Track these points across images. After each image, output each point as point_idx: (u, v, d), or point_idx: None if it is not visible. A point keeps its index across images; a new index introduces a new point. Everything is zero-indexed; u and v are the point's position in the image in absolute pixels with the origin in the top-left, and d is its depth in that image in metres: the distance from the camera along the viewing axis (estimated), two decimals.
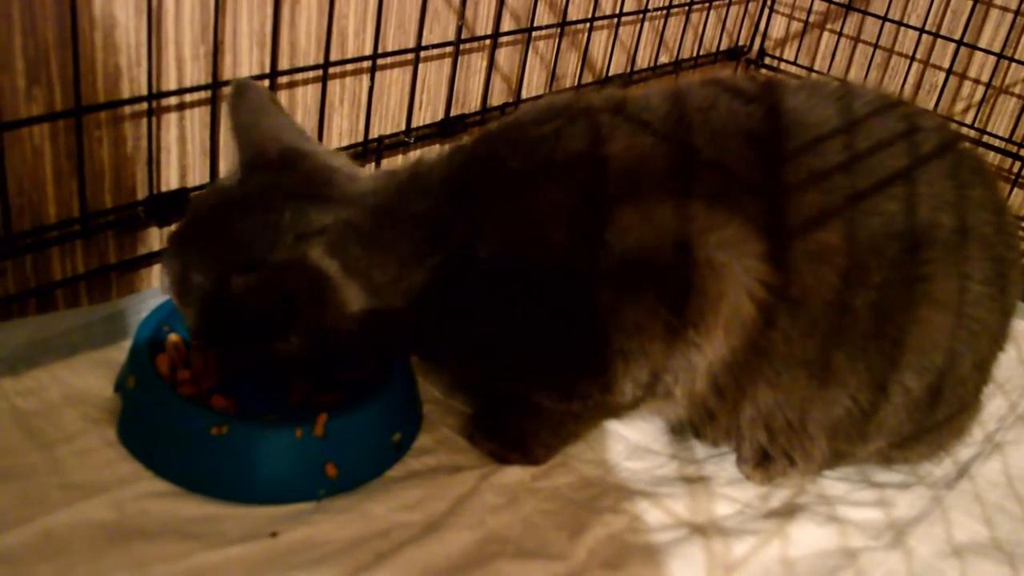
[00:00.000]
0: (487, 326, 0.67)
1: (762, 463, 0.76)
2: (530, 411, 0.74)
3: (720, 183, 0.66)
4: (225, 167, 0.90)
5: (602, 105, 0.70)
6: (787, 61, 1.58)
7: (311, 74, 0.93)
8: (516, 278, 0.66)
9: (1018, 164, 1.35)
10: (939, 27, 1.42)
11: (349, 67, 0.97)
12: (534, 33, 1.16)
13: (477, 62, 1.13)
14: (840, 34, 1.52)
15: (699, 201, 0.65)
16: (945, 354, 0.70)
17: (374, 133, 1.02)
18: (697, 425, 0.75)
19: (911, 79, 1.47)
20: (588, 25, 1.25)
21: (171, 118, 0.84)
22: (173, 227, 0.89)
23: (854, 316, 0.67)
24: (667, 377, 0.68)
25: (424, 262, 0.66)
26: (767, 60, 1.59)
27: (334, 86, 0.97)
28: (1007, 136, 1.39)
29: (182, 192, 0.87)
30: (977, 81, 1.42)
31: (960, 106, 1.45)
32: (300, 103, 0.94)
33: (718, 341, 0.66)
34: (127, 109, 0.81)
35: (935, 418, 0.74)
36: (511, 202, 0.66)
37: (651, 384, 0.68)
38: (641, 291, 0.65)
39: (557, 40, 1.21)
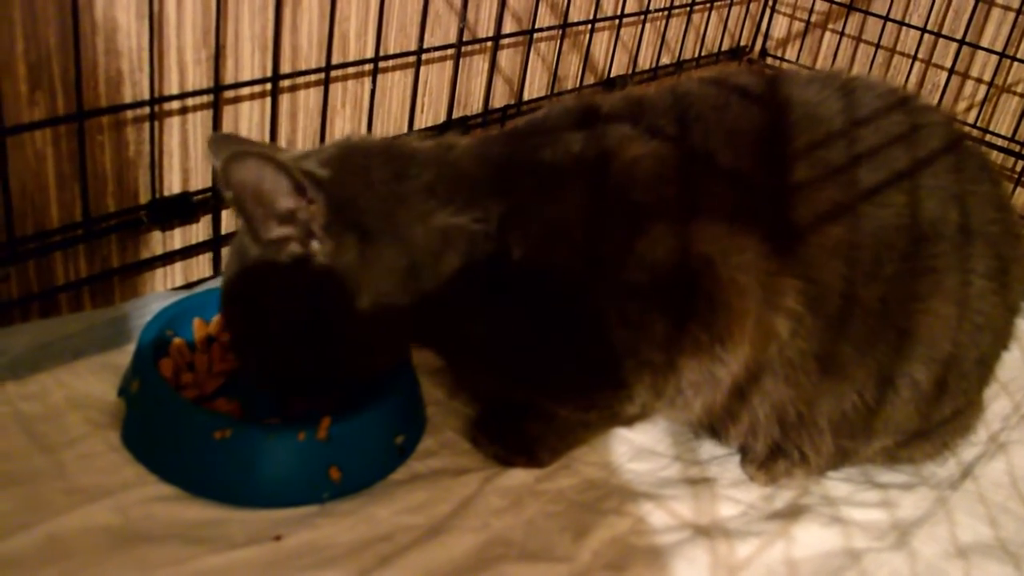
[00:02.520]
0: (508, 328, 0.67)
1: (767, 463, 0.76)
2: (537, 415, 0.74)
3: (739, 194, 0.67)
4: None
5: (620, 111, 0.70)
6: (789, 61, 1.57)
7: (313, 77, 0.93)
8: (541, 280, 0.65)
9: (1021, 163, 1.35)
10: (941, 27, 1.42)
11: (351, 70, 0.97)
12: (536, 35, 1.16)
13: (479, 64, 1.13)
14: (842, 34, 1.52)
15: (721, 220, 0.65)
16: (951, 346, 0.70)
17: (376, 136, 1.02)
18: (717, 427, 0.75)
19: (913, 79, 1.46)
20: (590, 26, 1.25)
21: (173, 122, 0.85)
22: (176, 231, 0.89)
23: (865, 308, 0.68)
24: (688, 391, 0.68)
25: (432, 221, 0.64)
26: (769, 60, 1.59)
27: (336, 89, 0.97)
28: (1010, 135, 1.39)
29: (184, 196, 0.87)
30: (979, 80, 1.42)
31: (962, 105, 1.44)
32: (302, 106, 0.94)
33: (744, 355, 0.66)
34: (129, 113, 0.81)
35: (941, 413, 0.74)
36: (538, 203, 0.66)
37: (672, 397, 0.68)
38: (670, 304, 0.65)
39: (559, 41, 1.21)
